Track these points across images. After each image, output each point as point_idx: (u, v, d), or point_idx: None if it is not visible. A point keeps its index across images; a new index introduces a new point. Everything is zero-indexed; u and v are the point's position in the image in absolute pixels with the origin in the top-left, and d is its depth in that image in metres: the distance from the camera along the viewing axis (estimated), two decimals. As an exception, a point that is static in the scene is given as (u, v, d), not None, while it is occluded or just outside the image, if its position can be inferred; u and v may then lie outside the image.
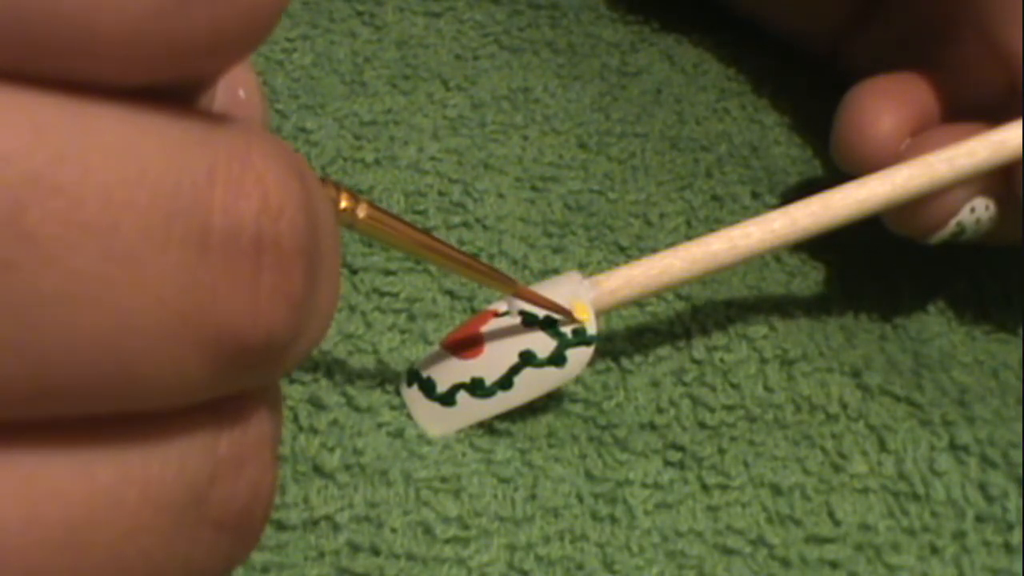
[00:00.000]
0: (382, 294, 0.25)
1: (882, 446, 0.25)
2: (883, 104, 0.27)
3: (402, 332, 0.25)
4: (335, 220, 0.14)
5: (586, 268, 0.27)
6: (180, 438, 0.12)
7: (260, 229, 0.11)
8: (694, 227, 0.29)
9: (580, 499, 0.23)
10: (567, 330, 0.23)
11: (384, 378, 0.24)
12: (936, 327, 0.29)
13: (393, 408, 0.23)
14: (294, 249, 0.12)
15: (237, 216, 0.11)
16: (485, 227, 0.27)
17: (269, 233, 0.11)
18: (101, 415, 0.11)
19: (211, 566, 0.13)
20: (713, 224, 0.29)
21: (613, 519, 0.23)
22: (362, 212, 0.17)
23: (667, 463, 0.24)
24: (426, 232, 0.20)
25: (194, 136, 0.11)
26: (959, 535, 0.23)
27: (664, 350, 0.26)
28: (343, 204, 0.17)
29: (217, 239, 0.11)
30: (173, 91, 0.11)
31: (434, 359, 0.23)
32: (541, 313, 0.23)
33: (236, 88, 0.16)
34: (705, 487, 0.24)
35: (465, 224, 0.27)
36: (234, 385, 0.12)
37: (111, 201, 0.10)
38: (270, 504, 0.14)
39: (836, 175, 0.27)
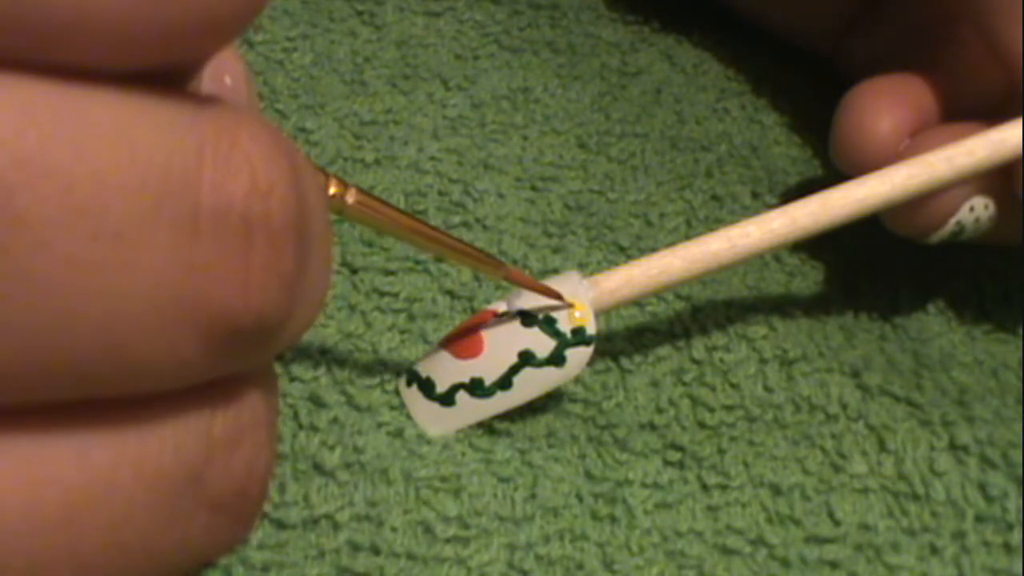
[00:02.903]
0: (382, 294, 0.25)
1: (882, 446, 0.25)
2: (882, 105, 0.27)
3: (402, 332, 0.25)
4: (325, 202, 0.14)
5: (586, 268, 0.27)
6: (174, 420, 0.12)
7: (249, 207, 0.11)
8: (694, 227, 0.29)
9: (580, 499, 0.23)
10: (566, 330, 0.23)
11: (384, 378, 0.24)
12: (936, 327, 0.29)
13: (393, 408, 0.23)
14: (284, 227, 0.12)
15: (226, 195, 0.11)
16: (485, 227, 0.27)
17: (258, 211, 0.11)
18: (96, 398, 0.11)
19: (208, 546, 0.13)
20: (713, 224, 0.29)
21: (613, 519, 0.23)
22: (351, 198, 0.17)
23: (667, 463, 0.24)
24: (415, 217, 0.20)
25: (183, 118, 0.11)
26: (959, 535, 0.23)
27: (664, 350, 0.26)
28: (332, 190, 0.17)
29: (207, 218, 0.11)
30: (162, 74, 0.11)
31: (433, 359, 0.23)
32: (540, 313, 0.23)
33: (222, 75, 0.16)
34: (705, 487, 0.24)
35: (465, 224, 0.27)
36: (228, 366, 0.12)
37: (101, 183, 0.10)
38: (266, 484, 0.14)
39: (836, 175, 0.27)
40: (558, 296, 0.22)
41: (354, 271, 0.25)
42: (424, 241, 0.20)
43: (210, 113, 0.12)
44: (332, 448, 0.22)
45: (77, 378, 0.11)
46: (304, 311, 0.13)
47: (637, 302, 0.26)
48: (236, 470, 0.13)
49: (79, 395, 0.11)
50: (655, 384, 0.25)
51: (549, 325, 0.23)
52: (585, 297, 0.23)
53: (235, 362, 0.12)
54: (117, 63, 0.11)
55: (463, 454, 0.23)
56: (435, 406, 0.23)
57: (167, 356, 0.11)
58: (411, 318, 0.25)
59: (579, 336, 0.23)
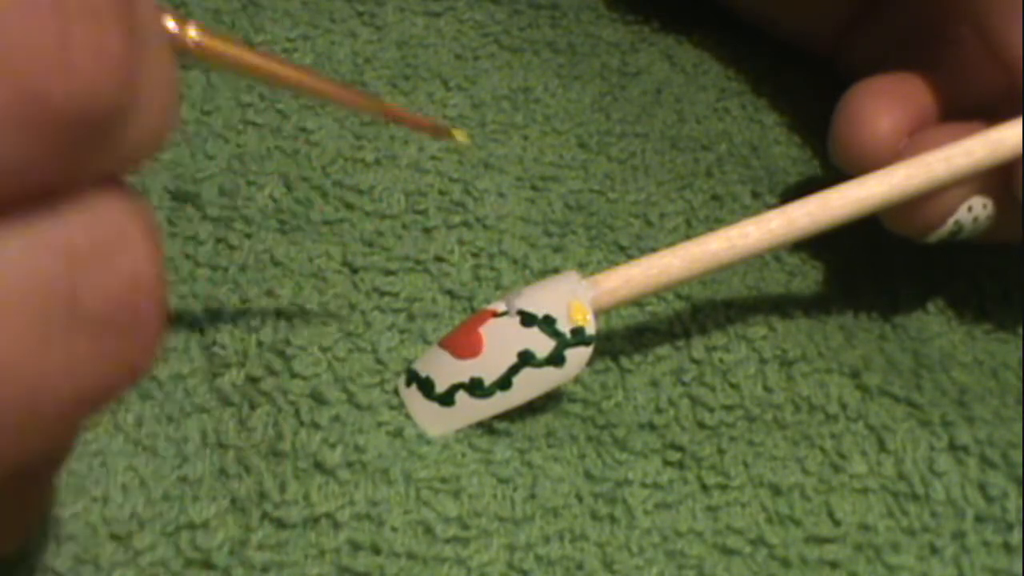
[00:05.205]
0: (382, 293, 0.25)
1: (882, 446, 0.25)
2: (881, 104, 0.27)
3: (401, 332, 0.25)
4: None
5: (586, 268, 0.27)
6: (21, 236, 0.12)
7: None
8: (694, 227, 0.29)
9: (580, 499, 0.23)
10: (566, 330, 0.23)
11: (383, 377, 0.24)
12: (936, 327, 0.29)
13: (392, 407, 0.23)
14: (103, 4, 0.11)
15: None
16: (485, 226, 0.27)
17: None
18: None
19: (100, 372, 0.12)
20: (713, 224, 0.29)
21: (613, 519, 0.23)
22: (193, 32, 0.16)
23: (666, 463, 0.24)
24: (266, 54, 0.18)
25: None
26: (959, 535, 0.24)
27: (664, 350, 0.26)
28: (170, 24, 0.15)
29: None
30: None
31: (433, 359, 0.23)
32: (540, 313, 0.23)
33: None
34: (705, 487, 0.24)
35: (465, 223, 0.27)
36: (70, 167, 0.12)
37: None
38: (160, 301, 0.13)
39: (836, 175, 0.27)
40: (447, 132, 0.21)
41: (354, 271, 0.25)
42: (278, 79, 0.18)
43: None
44: (333, 446, 0.22)
45: None
46: (147, 110, 0.12)
47: (637, 302, 0.26)
48: (113, 283, 0.12)
49: None
50: (655, 384, 0.25)
51: (548, 325, 0.23)
52: (584, 297, 0.23)
53: (76, 161, 0.12)
54: None
55: (463, 454, 0.23)
56: (434, 406, 0.23)
57: None
58: (411, 318, 0.25)
59: (578, 336, 0.23)
